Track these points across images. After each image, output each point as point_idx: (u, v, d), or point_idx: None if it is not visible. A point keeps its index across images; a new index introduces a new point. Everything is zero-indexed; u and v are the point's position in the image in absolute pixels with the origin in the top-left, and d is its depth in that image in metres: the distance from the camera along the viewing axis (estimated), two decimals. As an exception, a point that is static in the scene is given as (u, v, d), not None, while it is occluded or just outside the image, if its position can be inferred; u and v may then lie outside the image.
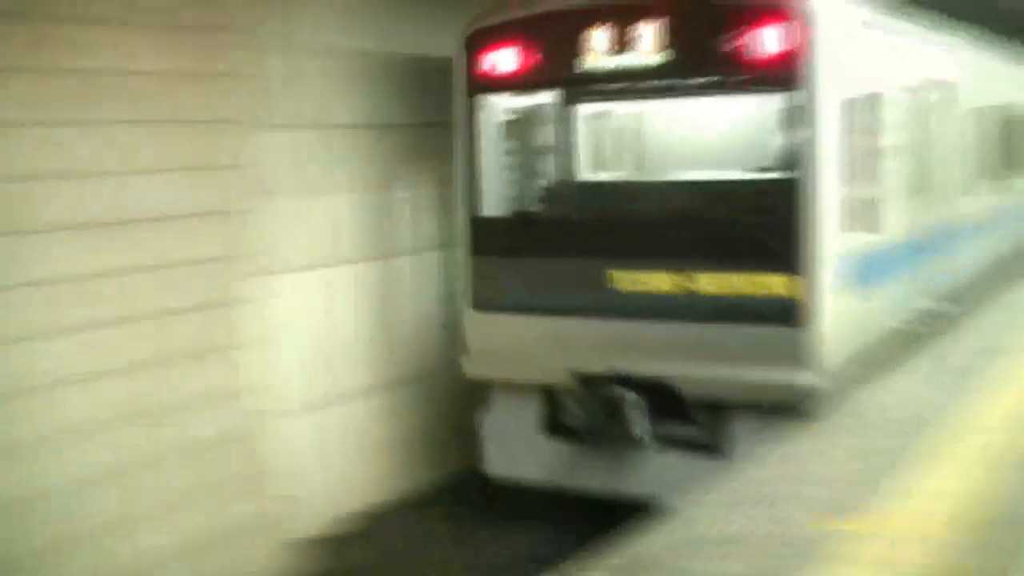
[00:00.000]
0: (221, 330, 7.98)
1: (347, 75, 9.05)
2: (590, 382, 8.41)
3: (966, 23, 13.52)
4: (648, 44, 8.05)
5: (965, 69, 11.86)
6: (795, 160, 7.77)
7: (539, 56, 8.54)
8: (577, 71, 8.33)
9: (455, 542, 8.92)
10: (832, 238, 7.81)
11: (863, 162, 8.44)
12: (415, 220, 9.80)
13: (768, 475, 5.94)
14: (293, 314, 8.58)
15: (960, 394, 7.43)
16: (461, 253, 9.01)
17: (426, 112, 9.56)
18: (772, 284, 7.73)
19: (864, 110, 8.45)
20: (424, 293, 9.94)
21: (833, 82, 7.82)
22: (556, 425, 8.85)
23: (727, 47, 7.77)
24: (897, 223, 9.26)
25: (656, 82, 8.33)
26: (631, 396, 8.23)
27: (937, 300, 10.29)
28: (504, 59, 8.69)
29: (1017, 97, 14.64)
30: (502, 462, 9.07)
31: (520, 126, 9.19)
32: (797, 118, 7.76)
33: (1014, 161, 14.19)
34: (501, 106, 9.00)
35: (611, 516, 7.57)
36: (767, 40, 7.69)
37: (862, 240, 8.40)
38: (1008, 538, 4.80)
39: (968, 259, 11.76)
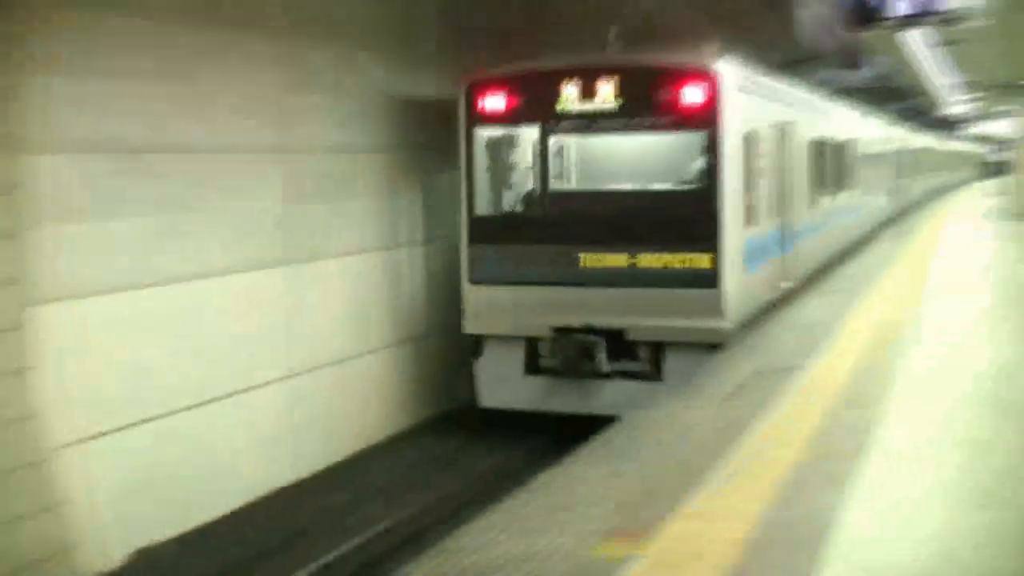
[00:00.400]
0: (9, 354, 7.82)
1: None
2: (565, 332, 11.85)
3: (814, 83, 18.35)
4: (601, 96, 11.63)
5: (810, 113, 16.14)
6: (710, 176, 11.50)
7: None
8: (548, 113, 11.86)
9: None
10: (735, 229, 11.56)
11: (750, 178, 12.25)
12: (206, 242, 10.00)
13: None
14: (79, 339, 8.47)
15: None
16: (463, 243, 12.32)
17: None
18: (698, 260, 11.40)
19: (750, 142, 12.26)
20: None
21: (733, 123, 11.56)
22: (535, 365, 12.24)
23: (662, 98, 11.42)
24: (767, 220, 13.15)
25: (610, 123, 11.85)
26: (598, 340, 11.72)
27: (789, 275, 14.29)
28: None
29: (843, 132, 19.33)
30: (493, 395, 12.39)
31: (506, 150, 12.61)
32: (710, 148, 11.49)
33: (843, 176, 18.86)
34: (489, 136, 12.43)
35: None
36: (690, 94, 11.39)
37: (750, 231, 12.20)
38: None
39: (812, 245, 15.99)
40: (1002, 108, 33.72)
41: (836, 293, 13.90)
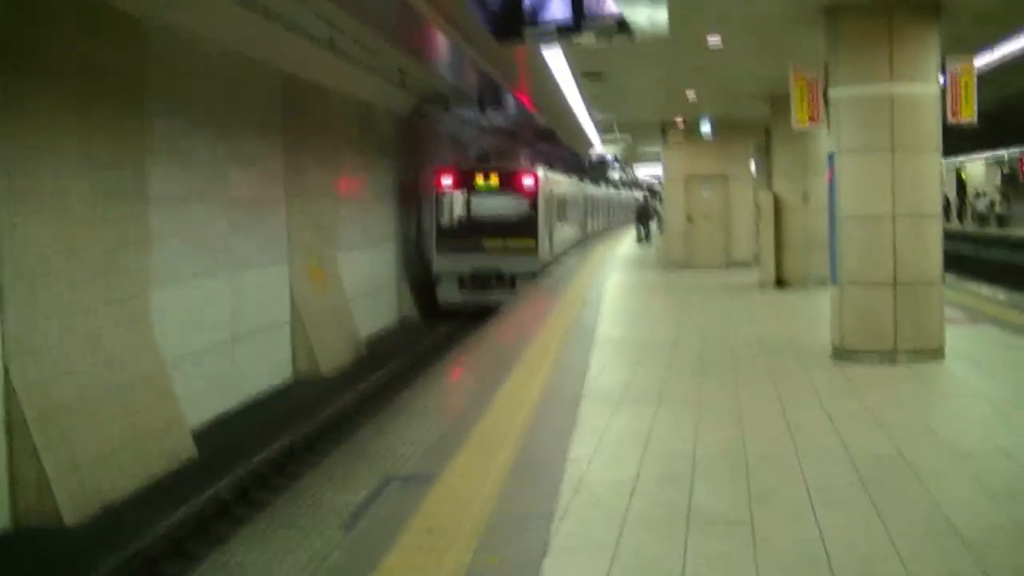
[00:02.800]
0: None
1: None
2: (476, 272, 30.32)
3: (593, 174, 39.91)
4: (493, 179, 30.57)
5: (581, 187, 36.85)
6: (534, 213, 30.63)
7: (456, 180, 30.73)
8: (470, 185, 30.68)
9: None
10: (545, 233, 30.74)
11: (552, 216, 31.63)
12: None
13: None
14: None
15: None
16: (432, 239, 30.59)
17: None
18: (528, 242, 30.37)
19: (551, 202, 31.65)
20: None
21: (544, 194, 30.80)
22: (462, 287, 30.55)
23: (516, 182, 30.51)
24: (557, 233, 32.65)
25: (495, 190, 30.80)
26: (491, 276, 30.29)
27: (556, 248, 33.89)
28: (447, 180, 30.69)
29: (566, 190, 39.78)
30: (445, 299, 30.54)
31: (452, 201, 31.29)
32: (534, 203, 30.64)
33: (566, 213, 39.25)
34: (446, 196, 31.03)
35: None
36: (527, 181, 30.54)
37: (553, 235, 31.55)
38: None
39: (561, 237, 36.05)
40: (652, 150, 34.59)
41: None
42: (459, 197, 30.71)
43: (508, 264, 29.90)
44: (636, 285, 22.54)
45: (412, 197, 30.98)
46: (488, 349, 14.15)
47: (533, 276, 29.29)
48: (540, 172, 31.03)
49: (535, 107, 23.76)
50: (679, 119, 25.07)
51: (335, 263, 23.02)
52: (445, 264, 30.01)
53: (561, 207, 35.76)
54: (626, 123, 26.92)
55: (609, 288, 21.40)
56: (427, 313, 30.13)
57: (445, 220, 30.53)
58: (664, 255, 27.08)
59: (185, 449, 13.99)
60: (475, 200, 31.00)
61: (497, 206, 30.80)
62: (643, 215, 40.35)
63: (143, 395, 13.31)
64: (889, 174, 11.07)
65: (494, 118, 33.13)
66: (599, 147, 32.57)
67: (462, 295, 30.07)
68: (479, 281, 29.92)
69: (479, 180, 30.33)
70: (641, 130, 28.39)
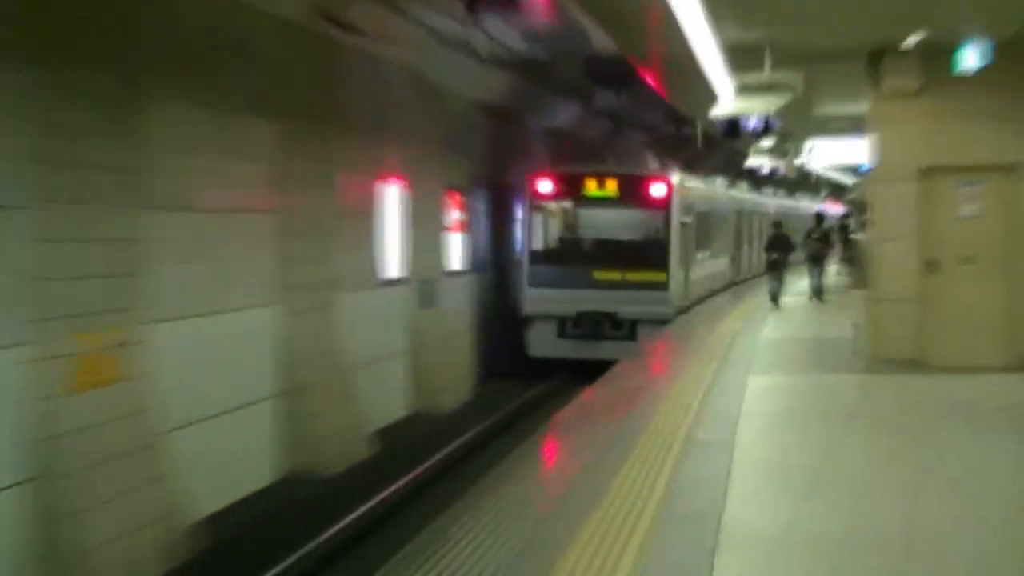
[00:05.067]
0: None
1: None
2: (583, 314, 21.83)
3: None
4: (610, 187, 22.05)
5: (734, 197, 27.70)
6: (666, 235, 21.91)
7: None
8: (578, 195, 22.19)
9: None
10: (679, 265, 21.99)
11: (690, 240, 22.80)
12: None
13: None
14: None
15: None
16: (523, 268, 22.24)
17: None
18: (656, 275, 21.71)
19: (690, 221, 22.88)
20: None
21: (680, 208, 22.08)
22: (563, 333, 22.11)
23: (642, 191, 21.88)
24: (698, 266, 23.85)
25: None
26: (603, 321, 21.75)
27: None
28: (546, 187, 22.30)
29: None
30: (539, 349, 22.18)
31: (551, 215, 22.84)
32: (666, 221, 21.93)
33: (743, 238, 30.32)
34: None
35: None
36: (657, 190, 21.88)
37: (691, 268, 22.75)
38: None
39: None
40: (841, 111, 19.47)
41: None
42: (561, 210, 22.41)
43: (628, 304, 21.58)
44: (808, 402, 11.40)
45: (498, 208, 22.74)
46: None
47: (663, 324, 20.72)
48: (675, 178, 22.41)
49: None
50: (912, 39, 12.05)
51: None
52: (539, 302, 21.81)
53: (704, 227, 26.63)
54: (788, 50, 12.16)
55: (753, 402, 11.09)
56: (514, 367, 22.07)
57: (541, 241, 22.25)
58: (871, 338, 13.45)
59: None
60: (584, 215, 22.66)
61: (614, 224, 22.61)
62: (779, 247, 22.50)
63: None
64: None
65: (602, 99, 24.38)
66: (727, 100, 14.61)
67: (561, 345, 21.73)
68: (586, 326, 21.59)
69: (590, 187, 22.03)
70: (822, 67, 13.27)
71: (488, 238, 22.36)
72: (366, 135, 16.05)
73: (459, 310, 20.48)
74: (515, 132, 23.29)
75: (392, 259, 17.50)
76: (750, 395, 11.38)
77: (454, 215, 20.47)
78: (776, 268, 22.30)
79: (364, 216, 16.51)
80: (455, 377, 19.52)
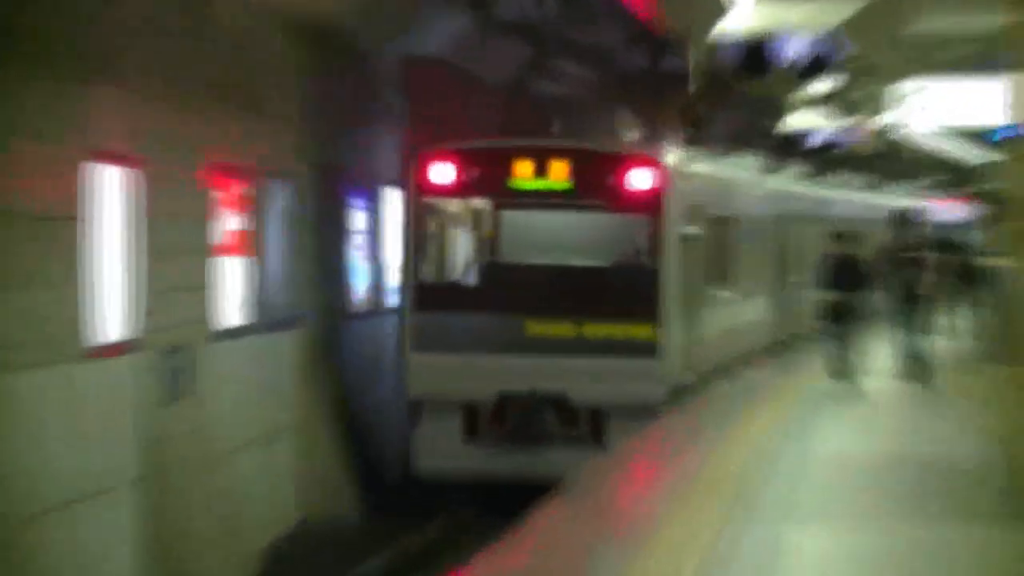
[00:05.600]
0: None
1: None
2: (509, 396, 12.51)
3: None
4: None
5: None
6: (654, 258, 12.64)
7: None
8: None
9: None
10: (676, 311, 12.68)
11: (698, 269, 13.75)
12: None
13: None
14: None
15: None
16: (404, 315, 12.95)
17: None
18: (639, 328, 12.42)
19: (696, 233, 13.97)
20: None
21: (677, 211, 12.75)
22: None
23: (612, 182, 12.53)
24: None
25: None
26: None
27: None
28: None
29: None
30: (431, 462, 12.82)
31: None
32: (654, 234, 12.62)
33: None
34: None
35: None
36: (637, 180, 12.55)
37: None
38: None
39: None
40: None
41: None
42: (471, 216, 13.24)
43: (589, 381, 12.87)
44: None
45: (333, 211, 13.49)
46: None
47: (648, 417, 12.31)
48: (669, 156, 12.95)
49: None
50: None
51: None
52: (431, 377, 12.79)
53: (722, 244, 16.46)
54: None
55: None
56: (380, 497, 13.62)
57: (433, 270, 13.00)
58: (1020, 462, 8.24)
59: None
60: (511, 223, 13.40)
61: (564, 239, 13.94)
62: (844, 278, 13.66)
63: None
64: None
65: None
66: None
67: (471, 456, 13.09)
68: (516, 420, 12.86)
69: (521, 174, 12.89)
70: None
71: (318, 264, 12.82)
72: (60, 81, 8.70)
73: (254, 397, 11.70)
74: (364, 74, 13.83)
75: (108, 306, 9.31)
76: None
77: (239, 224, 11.45)
78: (840, 318, 13.23)
79: (50, 226, 8.80)
80: (244, 526, 10.75)
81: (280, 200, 12.10)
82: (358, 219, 13.80)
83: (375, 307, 14.25)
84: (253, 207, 11.63)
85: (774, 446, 10.61)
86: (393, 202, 14.36)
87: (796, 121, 15.88)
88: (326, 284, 13.08)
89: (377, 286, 14.50)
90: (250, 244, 11.57)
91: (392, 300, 14.33)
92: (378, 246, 14.26)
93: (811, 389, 13.90)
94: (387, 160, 14.04)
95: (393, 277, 14.37)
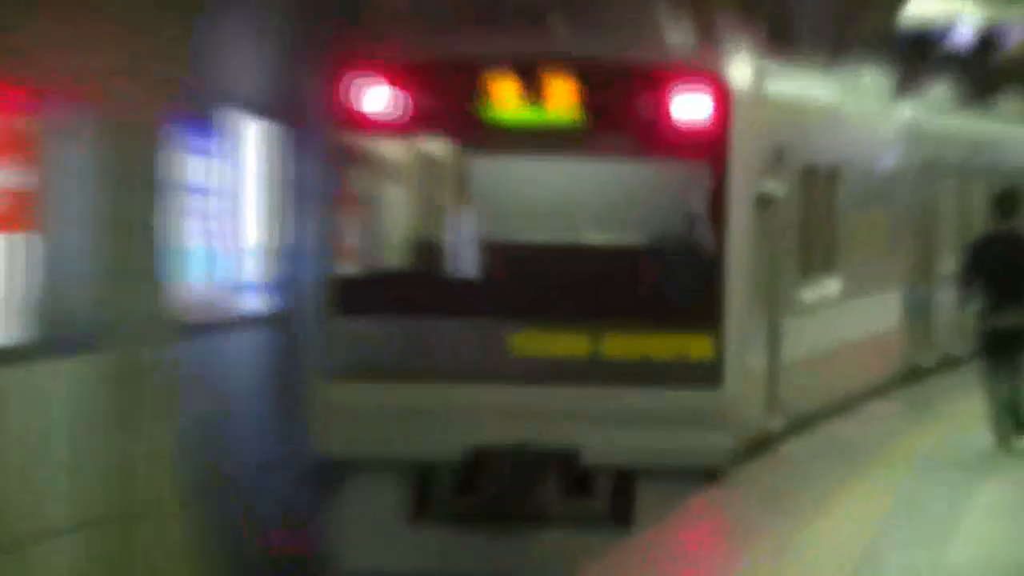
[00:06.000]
0: None
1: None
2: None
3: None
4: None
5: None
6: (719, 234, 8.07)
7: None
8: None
9: None
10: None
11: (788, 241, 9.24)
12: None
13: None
14: None
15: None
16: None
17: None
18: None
19: (792, 193, 9.26)
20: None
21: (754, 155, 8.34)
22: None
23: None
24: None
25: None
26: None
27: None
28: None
29: None
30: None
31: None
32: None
33: None
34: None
35: None
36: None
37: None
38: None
39: None
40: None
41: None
42: (421, 167, 8.81)
43: (610, 427, 9.19)
44: None
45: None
46: None
47: (702, 480, 8.79)
48: (738, 69, 8.54)
49: None
50: None
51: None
52: (359, 419, 9.02)
53: (821, 216, 12.07)
54: None
55: None
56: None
57: (359, 254, 8.63)
58: None
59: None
60: (485, 178, 10.16)
61: (571, 202, 10.19)
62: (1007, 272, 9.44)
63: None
64: None
65: None
66: None
67: (423, 543, 9.52)
68: (499, 490, 9.28)
69: (500, 99, 8.32)
70: None
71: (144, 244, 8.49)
72: None
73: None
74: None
75: None
76: None
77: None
78: (1006, 346, 9.43)
79: None
80: None
81: (82, 144, 7.57)
82: (196, 171, 9.13)
83: (228, 315, 9.68)
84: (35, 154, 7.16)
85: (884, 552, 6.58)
86: (268, 142, 10.07)
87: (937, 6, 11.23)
88: (147, 276, 8.43)
89: (234, 280, 9.98)
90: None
91: (259, 303, 9.90)
92: (236, 216, 9.79)
93: (956, 449, 9.45)
94: (255, 71, 9.60)
95: (262, 265, 9.96)
